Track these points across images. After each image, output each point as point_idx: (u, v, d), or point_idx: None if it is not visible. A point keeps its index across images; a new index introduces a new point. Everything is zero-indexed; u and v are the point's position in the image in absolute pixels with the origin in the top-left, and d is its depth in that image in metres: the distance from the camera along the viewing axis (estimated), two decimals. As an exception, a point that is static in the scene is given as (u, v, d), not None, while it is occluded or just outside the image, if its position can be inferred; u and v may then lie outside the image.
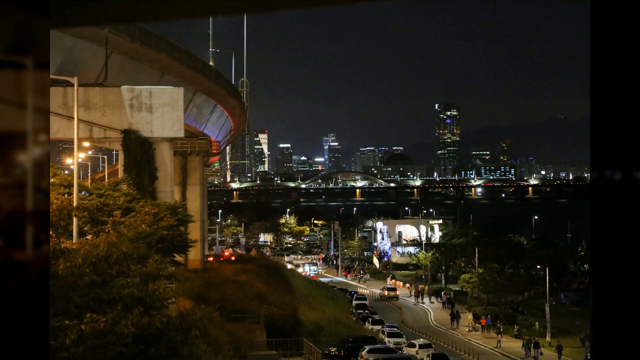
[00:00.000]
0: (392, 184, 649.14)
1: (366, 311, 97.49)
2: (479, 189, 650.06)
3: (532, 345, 75.50)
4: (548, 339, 78.07)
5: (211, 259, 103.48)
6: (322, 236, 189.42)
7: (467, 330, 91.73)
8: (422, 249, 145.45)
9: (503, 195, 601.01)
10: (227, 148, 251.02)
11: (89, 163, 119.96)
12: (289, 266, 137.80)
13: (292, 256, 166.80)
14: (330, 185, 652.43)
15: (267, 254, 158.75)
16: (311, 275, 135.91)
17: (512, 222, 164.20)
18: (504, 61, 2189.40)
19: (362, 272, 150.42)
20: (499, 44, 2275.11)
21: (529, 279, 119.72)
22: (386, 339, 76.92)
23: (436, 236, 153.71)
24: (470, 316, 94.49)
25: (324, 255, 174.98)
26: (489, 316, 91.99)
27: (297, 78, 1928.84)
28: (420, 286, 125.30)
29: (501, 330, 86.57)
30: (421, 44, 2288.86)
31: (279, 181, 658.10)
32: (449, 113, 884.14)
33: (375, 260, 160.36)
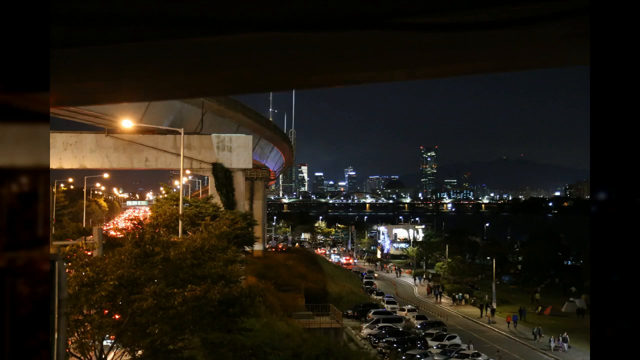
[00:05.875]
0: (390, 201, 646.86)
1: (372, 286, 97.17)
2: (449, 205, 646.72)
3: (488, 309, 74.70)
4: (494, 305, 77.30)
5: (269, 248, 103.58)
6: (342, 235, 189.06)
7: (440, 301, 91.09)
8: (410, 245, 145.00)
9: (465, 209, 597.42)
10: (280, 175, 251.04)
11: (189, 185, 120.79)
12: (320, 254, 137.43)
13: (322, 249, 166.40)
14: (349, 201, 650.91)
15: (306, 247, 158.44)
16: (335, 261, 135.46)
17: (470, 227, 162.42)
18: (471, 115, 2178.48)
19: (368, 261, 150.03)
20: (470, 104, 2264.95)
21: (481, 266, 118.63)
22: (386, 305, 76.66)
23: (420, 236, 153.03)
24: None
25: (344, 249, 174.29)
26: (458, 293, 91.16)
27: (328, 127, 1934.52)
28: (405, 270, 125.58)
29: (462, 300, 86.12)
30: (412, 103, 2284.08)
31: (314, 198, 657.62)
32: (429, 153, 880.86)
33: (379, 253, 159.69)
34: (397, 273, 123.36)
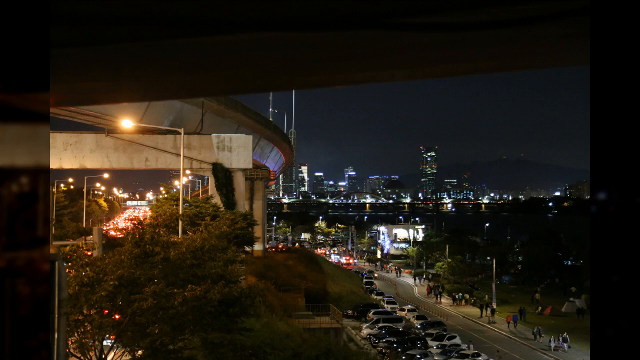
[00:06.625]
0: (390, 201, 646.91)
1: (372, 286, 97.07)
2: (449, 205, 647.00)
3: (488, 309, 74.64)
4: (494, 305, 77.31)
5: (269, 248, 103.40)
6: (343, 235, 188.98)
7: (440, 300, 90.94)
8: (410, 245, 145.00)
9: (465, 209, 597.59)
10: (280, 175, 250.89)
11: (189, 185, 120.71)
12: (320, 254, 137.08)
13: (322, 249, 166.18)
14: (349, 201, 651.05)
15: (306, 247, 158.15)
16: (335, 261, 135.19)
17: (470, 227, 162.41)
18: (471, 115, 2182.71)
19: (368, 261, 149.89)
20: (470, 104, 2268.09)
21: (482, 266, 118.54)
22: (386, 305, 76.65)
23: (420, 236, 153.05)
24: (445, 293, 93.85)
25: (344, 249, 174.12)
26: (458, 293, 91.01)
27: (328, 127, 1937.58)
28: (405, 270, 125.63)
29: (462, 300, 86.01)
30: (412, 103, 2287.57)
31: (314, 198, 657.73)
32: (429, 153, 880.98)
33: (379, 253, 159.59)
34: (397, 273, 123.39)
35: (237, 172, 52.74)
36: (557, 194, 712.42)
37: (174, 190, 68.00)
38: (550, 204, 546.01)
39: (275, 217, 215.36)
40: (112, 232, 66.16)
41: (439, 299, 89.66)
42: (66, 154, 51.15)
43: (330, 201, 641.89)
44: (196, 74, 4.58)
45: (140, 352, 19.34)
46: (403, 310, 74.79)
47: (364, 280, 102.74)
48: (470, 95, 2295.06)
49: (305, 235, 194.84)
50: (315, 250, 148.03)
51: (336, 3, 3.42)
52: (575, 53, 4.11)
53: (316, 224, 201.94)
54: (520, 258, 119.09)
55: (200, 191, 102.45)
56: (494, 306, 76.79)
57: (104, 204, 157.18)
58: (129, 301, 18.24)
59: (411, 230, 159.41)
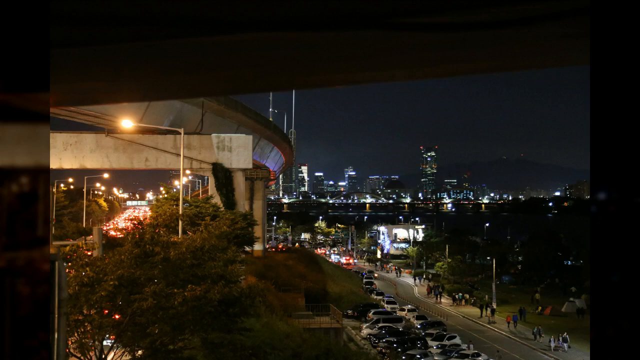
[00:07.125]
0: (390, 201, 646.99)
1: (372, 287, 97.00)
2: (449, 205, 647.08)
3: (488, 309, 74.61)
4: (494, 305, 77.26)
5: (269, 248, 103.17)
6: (343, 235, 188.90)
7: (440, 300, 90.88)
8: (410, 245, 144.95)
9: (465, 209, 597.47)
10: (280, 175, 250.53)
11: (189, 185, 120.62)
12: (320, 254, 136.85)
13: (322, 249, 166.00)
14: (349, 201, 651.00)
15: (306, 247, 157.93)
16: (335, 261, 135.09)
17: (470, 227, 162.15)
18: (471, 115, 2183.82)
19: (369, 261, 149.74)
20: (470, 104, 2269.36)
21: (482, 266, 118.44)
22: (386, 305, 76.62)
23: (420, 236, 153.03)
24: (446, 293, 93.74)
25: (344, 249, 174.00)
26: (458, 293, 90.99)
27: (328, 127, 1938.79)
28: (405, 270, 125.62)
29: (462, 300, 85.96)
30: (412, 103, 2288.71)
31: (314, 198, 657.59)
32: (430, 153, 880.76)
33: (379, 253, 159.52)
34: (397, 273, 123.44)
35: (237, 172, 52.70)
36: (557, 194, 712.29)
37: (174, 190, 67.95)
38: (550, 204, 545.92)
39: (275, 217, 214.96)
40: (112, 232, 66.16)
41: (439, 299, 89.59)
42: (66, 154, 51.15)
43: (330, 201, 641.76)
44: (196, 74, 4.58)
45: (140, 352, 19.34)
46: (403, 310, 74.77)
47: (364, 280, 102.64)
48: (470, 95, 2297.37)
49: (305, 235, 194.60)
50: (315, 250, 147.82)
51: (336, 3, 3.42)
52: (575, 53, 4.11)
53: (316, 224, 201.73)
54: (520, 258, 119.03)
55: (200, 191, 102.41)
56: (494, 306, 76.74)
57: (104, 204, 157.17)
58: (129, 301, 18.24)
59: (411, 230, 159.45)
